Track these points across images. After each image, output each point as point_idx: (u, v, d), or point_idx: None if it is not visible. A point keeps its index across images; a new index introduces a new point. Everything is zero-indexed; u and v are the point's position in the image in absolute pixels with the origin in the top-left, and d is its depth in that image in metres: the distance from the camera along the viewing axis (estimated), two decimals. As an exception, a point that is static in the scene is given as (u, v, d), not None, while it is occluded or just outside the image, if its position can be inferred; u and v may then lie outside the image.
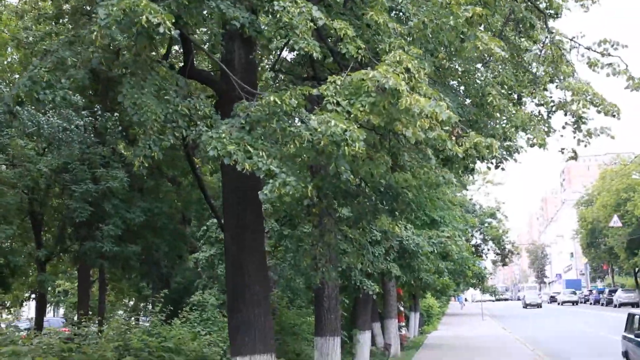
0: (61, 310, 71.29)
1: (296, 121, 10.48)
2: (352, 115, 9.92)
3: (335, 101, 10.00)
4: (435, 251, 29.40)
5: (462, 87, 13.95)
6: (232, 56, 13.20)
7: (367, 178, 12.31)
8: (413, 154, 12.34)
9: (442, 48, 12.85)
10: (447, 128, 11.09)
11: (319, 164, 12.23)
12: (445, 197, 36.18)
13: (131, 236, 30.50)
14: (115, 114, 26.99)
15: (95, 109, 27.28)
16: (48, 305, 60.73)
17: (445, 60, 13.03)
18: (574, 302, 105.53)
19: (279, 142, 10.17)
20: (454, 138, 11.43)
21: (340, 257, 19.04)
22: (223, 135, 9.77)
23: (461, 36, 11.55)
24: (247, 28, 11.22)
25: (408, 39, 11.44)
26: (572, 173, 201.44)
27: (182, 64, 13.39)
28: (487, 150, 11.42)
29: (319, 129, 9.33)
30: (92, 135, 27.59)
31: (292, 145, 9.73)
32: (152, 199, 31.86)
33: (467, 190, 60.47)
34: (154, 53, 12.72)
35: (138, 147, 10.48)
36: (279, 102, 9.91)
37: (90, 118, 27.05)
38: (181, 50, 14.78)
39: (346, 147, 9.38)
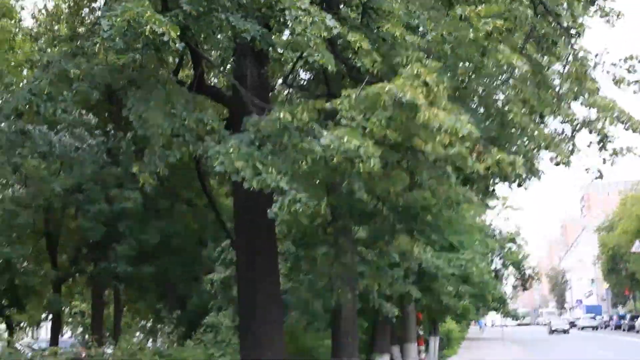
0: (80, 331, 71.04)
1: (309, 137, 10.02)
2: (367, 130, 9.46)
3: (350, 116, 9.54)
4: (456, 274, 28.80)
5: (482, 108, 13.45)
6: (244, 72, 12.82)
7: (383, 196, 11.82)
8: (432, 171, 11.84)
9: (461, 63, 12.39)
10: (467, 144, 10.60)
11: (333, 182, 11.77)
12: (465, 222, 35.64)
13: (146, 257, 30.20)
14: (129, 133, 26.75)
15: (108, 129, 27.03)
16: (66, 327, 60.54)
17: (464, 77, 12.55)
18: (594, 328, 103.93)
19: (291, 159, 9.73)
20: (474, 155, 10.95)
21: (358, 278, 18.53)
22: (231, 150, 9.33)
23: (481, 50, 11.07)
24: (258, 41, 10.79)
25: (425, 54, 10.96)
26: (592, 199, 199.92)
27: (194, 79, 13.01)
28: (511, 167, 10.92)
29: (331, 146, 8.86)
30: (104, 155, 27.30)
31: (304, 162, 9.28)
32: (167, 221, 31.50)
33: (490, 208, 59.71)
34: (163, 69, 12.33)
35: (143, 163, 10.09)
36: (290, 118, 9.46)
37: (103, 138, 26.79)
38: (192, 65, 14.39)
39: (361, 164, 8.92)
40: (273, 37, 11.35)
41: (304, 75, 15.52)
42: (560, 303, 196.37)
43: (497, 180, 12.57)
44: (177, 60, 13.71)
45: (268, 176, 9.21)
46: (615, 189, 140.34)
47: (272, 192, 9.54)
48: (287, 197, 9.12)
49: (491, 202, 56.95)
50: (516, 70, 13.42)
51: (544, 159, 13.37)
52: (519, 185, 13.77)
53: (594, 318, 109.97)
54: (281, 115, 9.44)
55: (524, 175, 13.18)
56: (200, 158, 11.40)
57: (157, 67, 11.36)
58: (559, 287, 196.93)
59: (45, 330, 71.10)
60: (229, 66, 13.33)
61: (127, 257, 27.48)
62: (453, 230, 31.93)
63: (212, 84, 17.88)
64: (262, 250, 12.66)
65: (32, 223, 31.40)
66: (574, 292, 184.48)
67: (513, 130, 12.92)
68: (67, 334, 67.77)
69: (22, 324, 43.48)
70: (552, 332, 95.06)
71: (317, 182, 10.69)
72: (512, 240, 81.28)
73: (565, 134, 13.79)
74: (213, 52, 15.05)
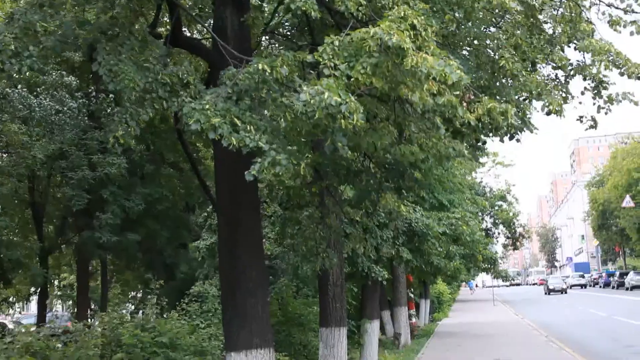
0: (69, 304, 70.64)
1: (290, 92, 9.42)
2: (352, 80, 8.90)
3: (332, 65, 8.97)
4: (447, 232, 28.33)
5: (472, 56, 12.86)
6: (224, 23, 12.18)
7: (369, 151, 11.24)
8: (420, 123, 11.30)
9: (450, 7, 11.82)
10: (457, 93, 10.07)
11: (316, 139, 11.20)
12: (455, 180, 35.20)
13: (131, 225, 29.61)
14: (111, 95, 26.01)
15: (90, 91, 26.32)
16: (57, 300, 59.97)
17: (454, 23, 11.98)
18: (582, 286, 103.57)
19: (270, 115, 9.16)
20: (465, 104, 10.40)
21: (344, 241, 17.95)
22: (207, 106, 8.75)
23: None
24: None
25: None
26: (582, 155, 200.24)
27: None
28: (502, 117, 10.41)
29: (311, 101, 8.29)
30: (86, 118, 26.59)
31: (283, 119, 8.73)
32: (153, 186, 30.87)
33: (481, 164, 59.26)
34: (138, 21, 11.69)
35: (113, 122, 9.49)
36: (269, 70, 8.87)
37: (84, 100, 26.06)
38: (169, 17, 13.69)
39: (343, 120, 8.36)
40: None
41: (289, 25, 14.89)
42: (551, 262, 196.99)
43: (489, 132, 12.03)
44: (153, 13, 13.01)
45: (247, 135, 8.64)
46: (605, 143, 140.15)
47: (253, 153, 8.98)
48: (267, 158, 8.56)
49: (482, 159, 56.66)
50: (507, 16, 12.88)
51: (536, 109, 12.80)
52: (512, 137, 13.25)
53: (582, 276, 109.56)
54: (259, 67, 8.84)
55: (516, 126, 12.64)
56: (179, 117, 10.80)
57: (130, 19, 10.72)
58: (549, 245, 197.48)
59: (35, 305, 70.69)
60: (210, 20, 12.66)
61: (112, 225, 26.86)
62: (443, 189, 31.50)
63: (193, 36, 17.11)
64: (244, 214, 12.09)
65: (16, 192, 30.73)
66: (564, 249, 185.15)
67: (504, 79, 12.38)
68: (59, 307, 67.44)
69: (10, 299, 42.73)
70: (549, 292, 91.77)
71: (300, 140, 10.09)
72: (503, 198, 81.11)
73: (558, 81, 13.21)
74: (191, 2, 14.36)
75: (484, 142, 13.59)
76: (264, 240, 15.60)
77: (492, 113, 10.27)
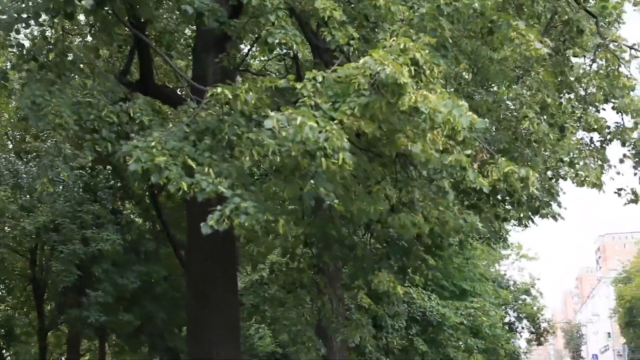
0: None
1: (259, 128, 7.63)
2: (335, 122, 7.10)
3: (313, 103, 7.19)
4: (465, 322, 26.37)
5: (489, 111, 11.05)
6: (206, 71, 10.54)
7: (359, 218, 9.34)
8: (425, 188, 9.43)
9: (465, 57, 10.05)
10: (468, 152, 8.21)
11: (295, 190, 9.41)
12: (476, 270, 33.56)
13: (127, 305, 27.70)
14: (108, 167, 24.39)
15: (84, 157, 24.74)
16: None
17: (469, 73, 10.21)
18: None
19: (236, 155, 7.38)
20: (476, 165, 8.55)
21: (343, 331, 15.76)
22: (153, 144, 6.95)
23: (488, 27, 8.71)
24: (205, 18, 8.51)
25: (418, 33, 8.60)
26: (608, 251, 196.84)
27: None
28: (522, 185, 8.50)
29: (283, 134, 6.49)
30: (80, 190, 24.98)
31: (247, 158, 6.94)
32: (151, 264, 28.96)
33: (504, 256, 57.56)
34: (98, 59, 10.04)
35: (41, 166, 7.78)
36: (230, 96, 7.09)
37: (80, 171, 24.46)
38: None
39: (324, 159, 6.55)
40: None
41: (276, 69, 13.22)
42: (576, 359, 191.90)
43: (505, 202, 10.15)
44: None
45: (203, 178, 6.84)
46: (631, 239, 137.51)
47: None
48: (228, 205, 6.74)
49: (505, 251, 54.67)
50: (532, 74, 11.11)
51: (563, 178, 10.89)
52: (535, 212, 11.31)
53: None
54: (218, 91, 7.08)
55: (539, 198, 10.69)
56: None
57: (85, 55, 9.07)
58: (574, 342, 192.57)
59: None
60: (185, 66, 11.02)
61: (102, 304, 24.94)
62: (462, 277, 29.94)
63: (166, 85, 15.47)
64: (217, 287, 10.21)
65: (17, 267, 29.48)
66: (589, 347, 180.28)
67: (528, 145, 10.55)
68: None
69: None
70: None
71: (275, 190, 8.31)
72: (527, 291, 78.68)
73: (594, 146, 11.32)
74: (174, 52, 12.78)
75: (505, 219, 11.67)
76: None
77: (510, 179, 8.41)
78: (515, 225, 27.06)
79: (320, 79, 7.52)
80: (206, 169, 6.97)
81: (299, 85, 7.42)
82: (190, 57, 12.84)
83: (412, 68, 7.41)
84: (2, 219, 24.70)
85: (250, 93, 7.15)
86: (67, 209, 24.64)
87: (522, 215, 12.23)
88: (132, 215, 28.94)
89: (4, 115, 25.91)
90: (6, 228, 25.06)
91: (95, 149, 8.14)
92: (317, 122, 6.50)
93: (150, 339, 32.61)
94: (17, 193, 23.19)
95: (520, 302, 78.39)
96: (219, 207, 6.82)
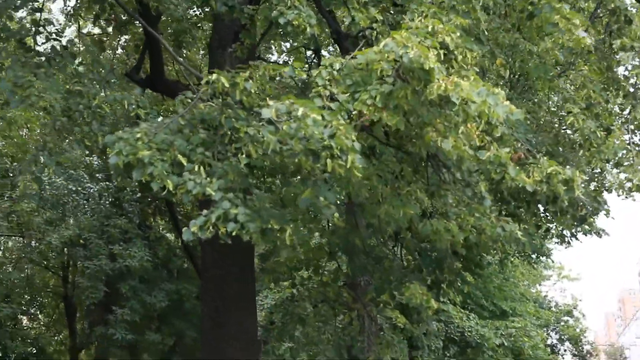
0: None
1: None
2: (354, 113, 6.29)
3: (328, 94, 6.36)
4: (505, 344, 25.29)
5: (528, 110, 10.12)
6: (221, 66, 9.77)
7: (384, 225, 8.43)
8: (459, 193, 8.54)
9: (502, 52, 9.20)
10: (507, 150, 7.35)
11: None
12: (517, 290, 32.58)
13: (155, 323, 26.99)
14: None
15: (111, 172, 24.13)
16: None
17: (506, 70, 9.32)
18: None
19: (233, 153, 6.54)
20: (513, 164, 7.68)
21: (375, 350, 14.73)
22: (138, 135, 6.13)
23: (529, 8, 7.83)
24: (213, 1, 7.74)
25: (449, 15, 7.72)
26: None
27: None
28: (565, 188, 7.58)
29: (285, 127, 5.67)
30: (107, 203, 24.38)
31: (243, 155, 6.11)
32: (182, 281, 28.22)
33: (545, 277, 56.44)
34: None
35: (24, 162, 7.04)
36: (227, 85, 6.26)
37: (106, 183, 23.90)
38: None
39: (329, 161, 5.70)
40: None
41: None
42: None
43: (549, 214, 9.27)
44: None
45: (191, 178, 6.03)
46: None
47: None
48: (216, 211, 5.91)
49: (546, 271, 53.51)
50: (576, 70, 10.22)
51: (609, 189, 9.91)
52: (581, 222, 10.36)
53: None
54: (213, 78, 6.26)
55: (585, 204, 9.71)
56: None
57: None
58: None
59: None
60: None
61: (129, 322, 24.25)
62: (503, 297, 29.02)
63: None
64: (233, 302, 9.42)
65: (49, 284, 29.06)
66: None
67: (572, 146, 9.64)
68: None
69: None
70: None
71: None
72: (569, 313, 77.10)
73: (641, 148, 10.36)
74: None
75: (546, 230, 10.74)
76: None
77: (553, 180, 7.49)
78: (557, 243, 26.07)
79: (337, 66, 6.71)
80: (196, 167, 6.12)
81: (314, 73, 6.61)
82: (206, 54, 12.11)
83: (442, 52, 6.57)
84: (27, 232, 24.21)
85: (251, 81, 6.28)
86: (94, 223, 24.05)
87: (565, 227, 11.29)
88: (161, 231, 28.28)
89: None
90: (33, 243, 24.55)
91: (84, 142, 7.34)
92: (322, 116, 5.66)
93: (183, 358, 31.89)
94: (41, 206, 22.61)
95: (562, 323, 76.82)
96: (204, 212, 5.99)
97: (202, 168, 6.10)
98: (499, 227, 8.48)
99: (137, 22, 10.10)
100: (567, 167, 8.14)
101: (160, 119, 7.06)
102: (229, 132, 6.25)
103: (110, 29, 10.22)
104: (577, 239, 24.45)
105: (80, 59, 8.04)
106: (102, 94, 7.17)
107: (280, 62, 12.31)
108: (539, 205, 9.34)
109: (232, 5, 7.98)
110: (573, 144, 9.63)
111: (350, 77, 6.72)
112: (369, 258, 10.65)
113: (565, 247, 24.66)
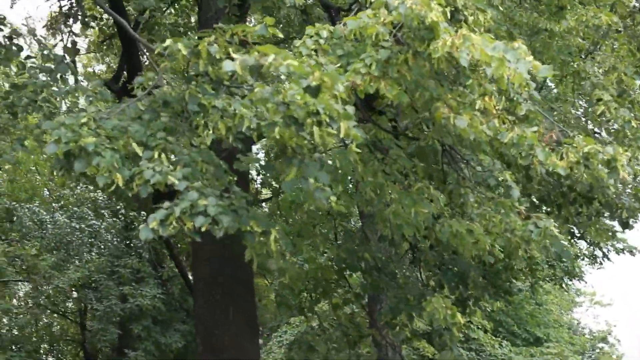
0: None
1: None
2: (346, 85, 5.19)
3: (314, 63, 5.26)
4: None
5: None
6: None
7: (400, 229, 7.18)
8: (480, 187, 7.38)
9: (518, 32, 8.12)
10: (535, 129, 6.23)
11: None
12: (550, 316, 31.55)
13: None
14: (143, 213, 22.79)
15: (119, 207, 23.25)
16: None
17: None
18: None
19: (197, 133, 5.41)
20: (542, 146, 6.52)
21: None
22: (84, 120, 5.02)
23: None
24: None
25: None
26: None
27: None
28: (609, 171, 6.43)
29: (256, 89, 4.59)
30: (115, 240, 23.44)
31: (208, 132, 5.01)
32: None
33: (577, 304, 55.25)
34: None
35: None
36: (184, 51, 5.13)
37: (113, 219, 22.97)
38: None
39: (316, 129, 4.63)
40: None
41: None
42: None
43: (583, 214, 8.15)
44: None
45: (150, 166, 4.90)
46: None
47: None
48: (181, 202, 4.78)
49: (578, 298, 52.20)
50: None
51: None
52: (625, 225, 9.09)
53: None
54: (168, 44, 5.16)
55: (626, 205, 8.47)
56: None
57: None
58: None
59: None
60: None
61: (143, 365, 23.22)
62: (535, 323, 27.96)
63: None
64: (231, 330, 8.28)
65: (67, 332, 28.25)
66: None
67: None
68: None
69: None
70: None
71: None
72: (604, 339, 75.22)
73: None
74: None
75: (583, 234, 9.59)
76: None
77: (592, 161, 6.30)
78: (588, 264, 24.81)
79: (325, 34, 5.63)
80: (156, 154, 5.01)
81: (297, 43, 5.53)
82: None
83: (448, 10, 5.48)
84: (34, 276, 23.29)
85: (216, 46, 5.13)
86: (103, 264, 23.16)
87: (602, 238, 10.12)
88: (174, 269, 27.32)
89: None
90: (40, 287, 23.62)
91: (23, 144, 6.25)
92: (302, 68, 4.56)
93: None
94: (44, 246, 21.72)
95: (597, 350, 74.87)
96: (166, 205, 4.87)
97: (163, 155, 5.01)
98: (531, 224, 7.25)
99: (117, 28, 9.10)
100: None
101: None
102: (193, 110, 5.12)
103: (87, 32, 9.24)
104: (608, 259, 23.18)
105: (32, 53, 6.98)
106: (56, 88, 6.06)
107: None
108: (574, 205, 8.20)
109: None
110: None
111: (341, 47, 5.65)
112: (381, 274, 9.40)
113: (597, 269, 23.43)
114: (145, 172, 4.80)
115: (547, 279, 25.40)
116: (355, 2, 6.60)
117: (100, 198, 22.56)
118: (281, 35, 5.01)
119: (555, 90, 10.31)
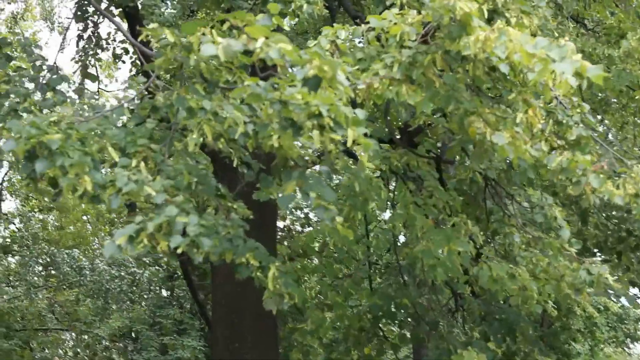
0: None
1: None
2: (361, 87, 4.43)
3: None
4: None
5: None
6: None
7: (431, 267, 6.31)
8: (528, 228, 6.52)
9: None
10: (588, 157, 5.41)
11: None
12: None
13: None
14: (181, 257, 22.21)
15: (161, 256, 22.65)
16: None
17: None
18: None
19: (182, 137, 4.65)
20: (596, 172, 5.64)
21: None
22: (54, 119, 4.31)
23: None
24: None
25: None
26: None
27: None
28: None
29: (246, 83, 3.87)
30: (157, 289, 22.90)
31: (193, 136, 4.26)
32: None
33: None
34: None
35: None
36: (172, 40, 4.38)
37: (156, 267, 22.42)
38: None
39: (315, 132, 3.89)
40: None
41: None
42: None
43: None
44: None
45: (124, 173, 4.15)
46: None
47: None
48: (157, 217, 4.02)
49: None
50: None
51: None
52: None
53: None
54: (151, 28, 4.43)
55: None
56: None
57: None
58: None
59: None
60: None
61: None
62: None
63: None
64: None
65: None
66: None
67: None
68: None
69: None
70: None
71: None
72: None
73: None
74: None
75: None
76: None
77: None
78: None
79: (343, 34, 4.89)
80: (134, 162, 4.27)
81: (311, 44, 4.80)
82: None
83: (485, 8, 4.72)
84: (73, 324, 22.84)
85: (209, 36, 4.34)
86: (144, 314, 22.61)
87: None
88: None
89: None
90: (78, 335, 23.15)
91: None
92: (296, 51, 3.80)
93: None
94: (82, 293, 21.26)
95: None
96: (137, 219, 4.13)
97: (142, 164, 4.26)
98: (583, 269, 6.35)
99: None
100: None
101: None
102: (180, 114, 4.37)
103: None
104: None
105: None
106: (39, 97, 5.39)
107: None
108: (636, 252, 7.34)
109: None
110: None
111: (362, 50, 4.91)
112: (421, 323, 8.48)
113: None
114: (119, 179, 4.06)
115: (608, 341, 24.16)
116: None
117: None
118: (287, 28, 4.24)
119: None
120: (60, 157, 4.00)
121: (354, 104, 4.33)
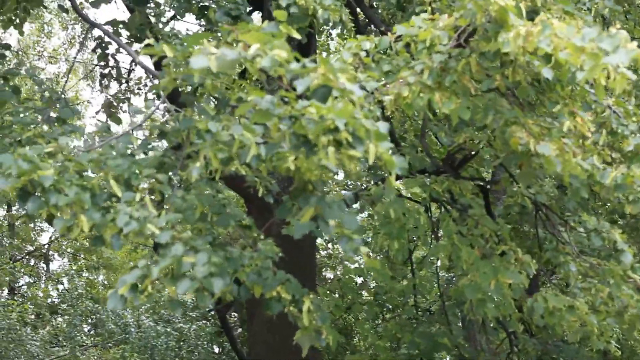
0: None
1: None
2: (388, 98, 3.97)
3: (344, 86, 3.98)
4: None
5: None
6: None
7: (480, 303, 5.71)
8: (582, 254, 5.96)
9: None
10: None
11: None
12: None
13: None
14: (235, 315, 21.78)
15: (208, 310, 22.23)
16: None
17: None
18: None
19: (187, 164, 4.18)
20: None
21: None
22: (49, 150, 3.89)
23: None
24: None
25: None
26: None
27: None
28: None
29: (250, 99, 3.43)
30: (205, 343, 22.37)
31: (197, 163, 3.78)
32: None
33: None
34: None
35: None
36: (170, 54, 3.93)
37: (204, 322, 21.96)
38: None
39: (331, 149, 3.40)
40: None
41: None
42: None
43: None
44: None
45: (127, 211, 3.68)
46: None
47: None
48: (163, 260, 3.54)
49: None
50: None
51: None
52: None
53: None
54: (149, 44, 4.01)
55: None
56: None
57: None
58: None
59: None
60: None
61: None
62: None
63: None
64: None
65: None
66: None
67: None
68: None
69: None
70: None
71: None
72: None
73: None
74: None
75: None
76: None
77: None
78: None
79: (367, 45, 4.43)
80: (138, 196, 3.85)
81: (333, 57, 4.35)
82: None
83: (523, 5, 4.23)
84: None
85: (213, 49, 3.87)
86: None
87: None
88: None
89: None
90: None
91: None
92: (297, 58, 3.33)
93: None
94: (128, 350, 20.82)
95: None
96: (141, 263, 3.64)
97: (148, 198, 3.79)
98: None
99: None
100: None
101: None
102: (185, 137, 3.90)
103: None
104: None
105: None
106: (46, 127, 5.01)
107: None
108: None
109: (236, 16, 5.89)
110: None
111: (389, 61, 4.43)
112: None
113: None
114: (120, 217, 3.58)
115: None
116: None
117: (189, 300, 21.59)
118: (298, 36, 3.77)
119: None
120: (54, 194, 3.56)
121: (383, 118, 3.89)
